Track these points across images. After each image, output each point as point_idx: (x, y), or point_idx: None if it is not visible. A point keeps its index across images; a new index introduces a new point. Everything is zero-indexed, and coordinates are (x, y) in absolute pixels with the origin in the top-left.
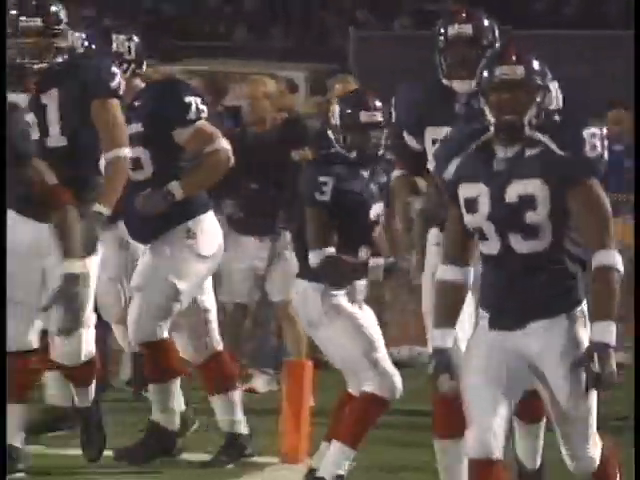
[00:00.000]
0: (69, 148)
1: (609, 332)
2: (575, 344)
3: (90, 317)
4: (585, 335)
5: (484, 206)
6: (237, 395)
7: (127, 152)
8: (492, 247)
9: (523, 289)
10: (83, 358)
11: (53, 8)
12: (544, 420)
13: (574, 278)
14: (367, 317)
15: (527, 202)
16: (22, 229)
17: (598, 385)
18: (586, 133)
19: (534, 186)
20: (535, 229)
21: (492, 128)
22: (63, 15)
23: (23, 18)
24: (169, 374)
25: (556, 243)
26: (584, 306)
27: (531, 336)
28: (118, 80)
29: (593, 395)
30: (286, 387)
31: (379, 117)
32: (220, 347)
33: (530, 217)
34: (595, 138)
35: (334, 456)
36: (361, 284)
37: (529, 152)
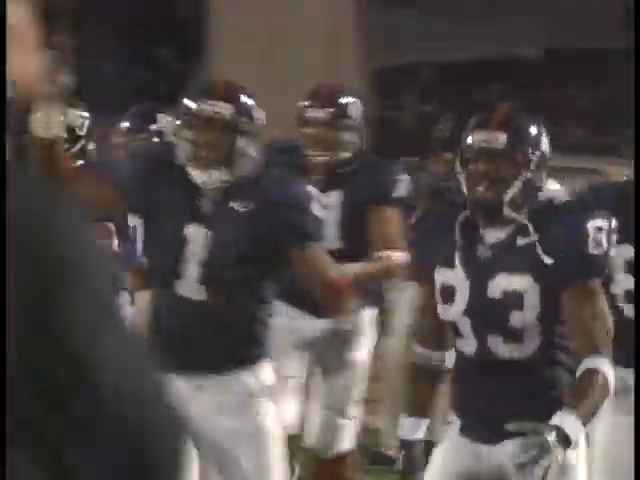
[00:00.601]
0: (344, 251)
1: (575, 426)
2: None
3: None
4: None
5: (461, 299)
6: None
7: (403, 256)
8: (467, 346)
9: (501, 400)
10: (339, 448)
11: (343, 100)
12: None
13: (559, 388)
14: None
15: (513, 300)
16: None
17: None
18: (591, 226)
19: (522, 282)
20: (519, 332)
21: (467, 205)
22: (354, 110)
23: (312, 108)
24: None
25: (543, 349)
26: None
27: (508, 454)
28: (405, 187)
29: None
30: None
31: None
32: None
33: (515, 318)
34: (601, 233)
35: None
36: None
37: (521, 240)
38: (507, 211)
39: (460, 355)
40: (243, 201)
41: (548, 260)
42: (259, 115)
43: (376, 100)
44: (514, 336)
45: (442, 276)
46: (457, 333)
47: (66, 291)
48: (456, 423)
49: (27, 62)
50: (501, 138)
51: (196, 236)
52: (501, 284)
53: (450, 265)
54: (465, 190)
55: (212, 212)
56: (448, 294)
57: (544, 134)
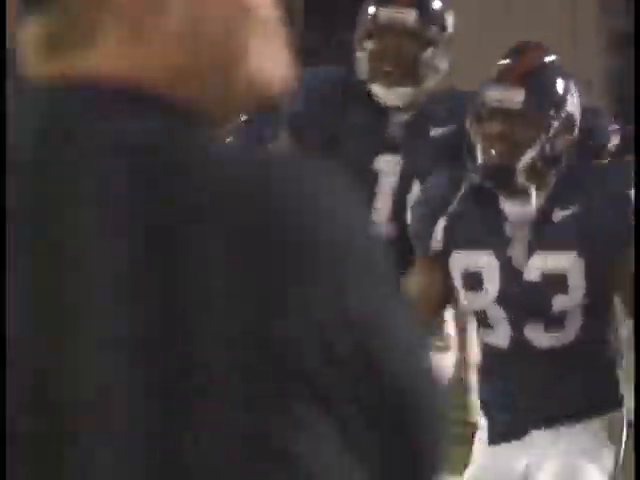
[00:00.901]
0: None
1: None
2: (597, 456)
3: None
4: (610, 452)
5: (492, 284)
6: None
7: None
8: (499, 338)
9: (541, 394)
10: None
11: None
12: None
13: (614, 369)
14: None
15: (556, 282)
16: None
17: None
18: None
19: (564, 260)
20: (562, 317)
21: (479, 171)
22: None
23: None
24: None
25: (588, 331)
26: (624, 410)
27: (540, 440)
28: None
29: None
30: None
31: None
32: None
33: (559, 302)
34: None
35: None
36: None
37: (559, 213)
38: (522, 180)
39: (489, 349)
40: (434, 126)
41: (591, 231)
42: (450, 24)
43: (609, 56)
44: (556, 322)
45: (462, 261)
46: (486, 325)
47: (356, 278)
48: (484, 430)
49: (278, 60)
50: (518, 96)
51: (386, 166)
52: (540, 265)
53: (472, 247)
54: (478, 154)
55: (403, 138)
56: (474, 281)
57: (573, 92)
